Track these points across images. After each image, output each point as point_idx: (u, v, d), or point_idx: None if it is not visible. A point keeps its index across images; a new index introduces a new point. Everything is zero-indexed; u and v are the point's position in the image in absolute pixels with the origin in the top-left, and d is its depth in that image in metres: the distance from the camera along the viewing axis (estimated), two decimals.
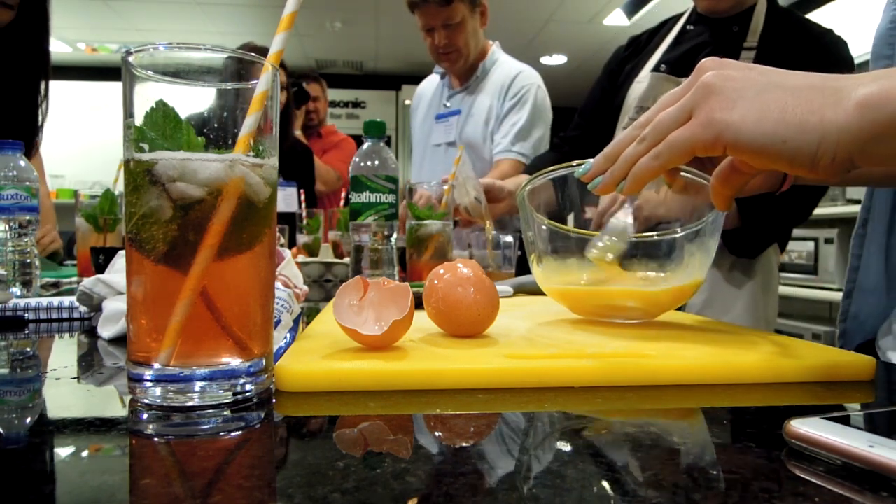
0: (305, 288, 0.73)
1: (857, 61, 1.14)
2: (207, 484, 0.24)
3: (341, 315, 0.42)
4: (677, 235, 0.55)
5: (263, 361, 0.36)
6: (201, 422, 0.32)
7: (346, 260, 1.34)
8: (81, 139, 5.16)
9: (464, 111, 1.78)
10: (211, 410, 0.33)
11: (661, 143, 0.42)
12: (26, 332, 0.62)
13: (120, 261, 0.65)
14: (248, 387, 0.35)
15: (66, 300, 0.68)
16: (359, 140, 0.94)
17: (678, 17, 1.27)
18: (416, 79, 2.01)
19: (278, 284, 0.63)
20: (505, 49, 1.83)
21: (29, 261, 0.82)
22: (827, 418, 0.27)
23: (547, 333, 0.51)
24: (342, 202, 2.09)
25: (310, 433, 0.31)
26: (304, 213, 1.69)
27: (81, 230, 1.06)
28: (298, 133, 2.48)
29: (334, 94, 5.79)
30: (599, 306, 0.57)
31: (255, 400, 0.35)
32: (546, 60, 5.16)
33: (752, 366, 0.41)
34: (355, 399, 0.36)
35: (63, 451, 0.28)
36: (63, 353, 0.53)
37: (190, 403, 0.33)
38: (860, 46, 1.22)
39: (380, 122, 0.93)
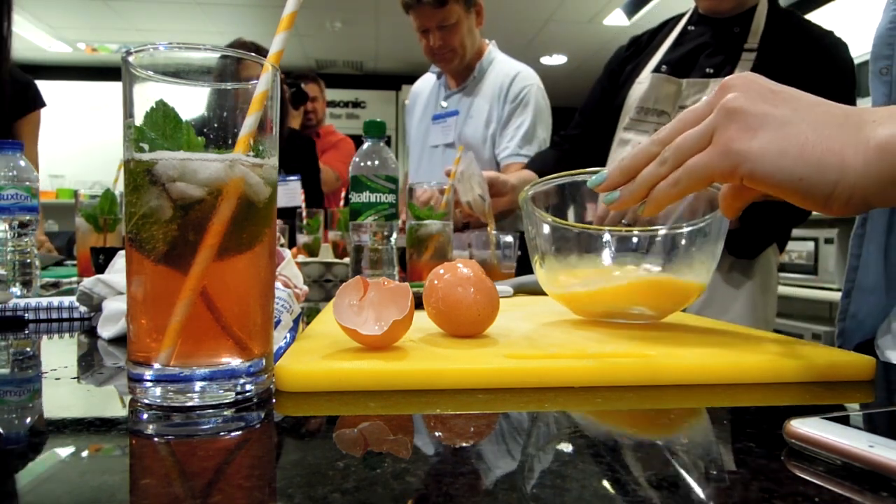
0: (305, 288, 0.73)
1: (856, 61, 1.14)
2: (207, 484, 0.24)
3: (341, 315, 0.42)
4: (681, 230, 0.55)
5: (263, 361, 0.36)
6: (201, 422, 0.32)
7: (346, 260, 1.34)
8: (81, 139, 5.16)
9: (462, 112, 1.77)
10: (211, 410, 0.33)
11: (680, 169, 0.42)
12: (26, 332, 0.62)
13: (120, 261, 0.65)
14: (248, 387, 0.35)
15: (66, 300, 0.68)
16: (359, 140, 0.94)
17: (679, 17, 1.27)
18: (415, 79, 2.01)
19: (278, 284, 0.63)
20: (505, 49, 1.82)
21: (29, 261, 0.82)
22: (827, 418, 0.27)
23: (547, 333, 0.51)
24: (342, 202, 2.09)
25: (310, 433, 0.31)
26: (304, 213, 1.69)
27: (81, 230, 1.06)
28: None
29: (334, 94, 5.79)
30: (602, 310, 0.56)
31: (255, 400, 0.35)
32: (546, 60, 5.16)
33: (752, 366, 0.41)
34: (355, 399, 0.36)
35: (63, 451, 0.28)
36: (63, 353, 0.53)
37: (190, 403, 0.33)
38: (860, 47, 1.22)
39: (380, 122, 0.93)
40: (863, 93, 1.72)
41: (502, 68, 1.74)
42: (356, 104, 5.85)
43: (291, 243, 1.76)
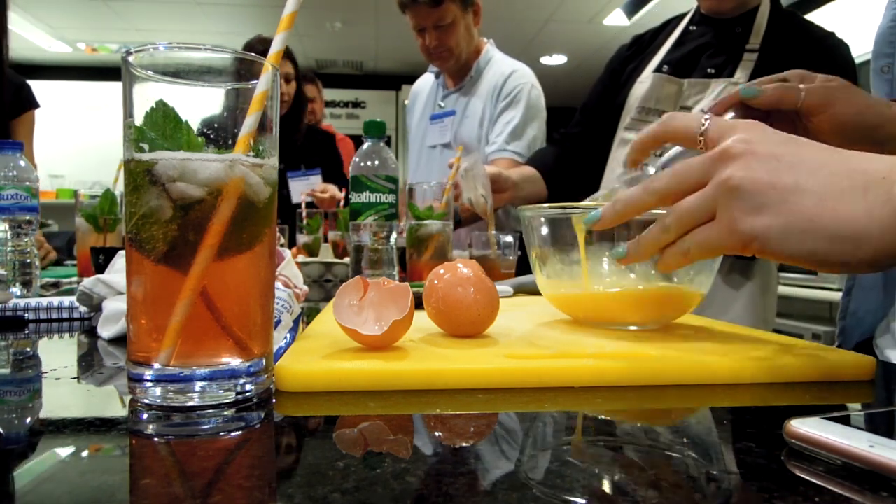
0: (305, 288, 0.73)
1: (857, 61, 1.14)
2: (207, 484, 0.24)
3: (341, 315, 0.42)
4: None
5: (263, 361, 0.36)
6: (201, 422, 0.32)
7: (346, 260, 1.34)
8: (81, 139, 5.17)
9: (458, 112, 1.77)
10: (211, 410, 0.33)
11: (689, 240, 0.41)
12: (26, 332, 0.62)
13: (120, 261, 0.65)
14: (248, 387, 0.35)
15: (66, 300, 0.68)
16: (359, 140, 0.94)
17: (681, 17, 1.27)
18: (416, 79, 2.01)
19: (278, 284, 0.63)
20: (505, 49, 1.82)
21: (29, 261, 0.82)
22: (827, 418, 0.27)
23: (547, 334, 0.51)
24: (342, 202, 2.09)
25: (310, 433, 0.31)
26: (304, 213, 1.69)
27: (81, 230, 1.06)
28: None
29: (334, 94, 5.80)
30: (601, 317, 0.56)
31: (255, 400, 0.35)
32: (546, 60, 5.16)
33: (752, 366, 0.41)
34: (355, 399, 0.36)
35: (63, 451, 0.28)
36: (63, 353, 0.53)
37: (190, 403, 0.33)
38: (860, 46, 1.22)
39: (380, 122, 0.93)
40: None
41: (499, 67, 1.74)
42: (356, 104, 5.85)
43: (291, 243, 1.76)
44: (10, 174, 0.81)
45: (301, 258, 1.43)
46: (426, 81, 1.94)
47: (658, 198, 0.43)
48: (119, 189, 1.09)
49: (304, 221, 1.66)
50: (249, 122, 0.34)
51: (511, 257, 1.11)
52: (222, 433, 0.31)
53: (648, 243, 0.44)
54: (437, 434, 0.31)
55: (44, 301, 0.67)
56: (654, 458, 0.28)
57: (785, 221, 0.37)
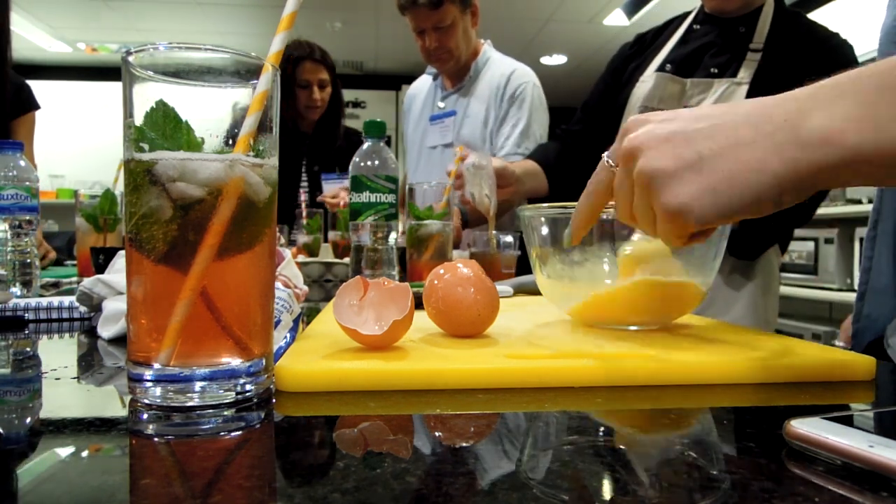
0: (305, 288, 0.73)
1: (861, 59, 1.14)
2: (207, 484, 0.24)
3: (341, 315, 0.42)
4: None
5: (263, 361, 0.36)
6: (201, 422, 0.32)
7: (346, 260, 1.34)
8: (81, 139, 5.16)
9: (459, 112, 1.78)
10: (211, 410, 0.33)
11: (661, 236, 0.42)
12: (26, 332, 0.62)
13: (120, 261, 0.65)
14: (248, 387, 0.35)
15: (66, 300, 0.68)
16: (359, 140, 0.94)
17: (685, 16, 1.26)
18: (415, 79, 2.01)
19: (278, 284, 0.63)
20: (504, 49, 1.83)
21: (29, 261, 0.82)
22: (827, 418, 0.27)
23: (547, 333, 0.51)
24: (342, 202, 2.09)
25: (310, 433, 0.31)
26: (304, 213, 1.69)
27: (81, 230, 1.06)
28: None
29: None
30: (603, 316, 0.56)
31: (255, 400, 0.35)
32: (546, 60, 5.15)
33: (753, 366, 0.41)
34: (355, 399, 0.36)
35: (63, 451, 0.28)
36: (63, 353, 0.53)
37: (190, 403, 0.33)
38: (864, 45, 1.22)
39: (380, 122, 0.93)
40: None
41: (498, 67, 1.74)
42: (356, 104, 5.85)
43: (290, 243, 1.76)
44: (10, 174, 0.81)
45: (301, 258, 1.43)
46: (423, 83, 1.94)
47: (597, 197, 0.45)
48: (119, 189, 1.09)
49: (305, 221, 1.66)
50: (249, 122, 0.34)
51: (511, 252, 1.11)
52: (222, 433, 0.31)
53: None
54: (437, 434, 0.31)
55: (44, 301, 0.67)
56: (654, 458, 0.28)
57: (706, 186, 0.37)
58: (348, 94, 5.80)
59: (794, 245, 2.90)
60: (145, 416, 0.33)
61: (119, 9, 4.25)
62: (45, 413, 0.35)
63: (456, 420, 0.33)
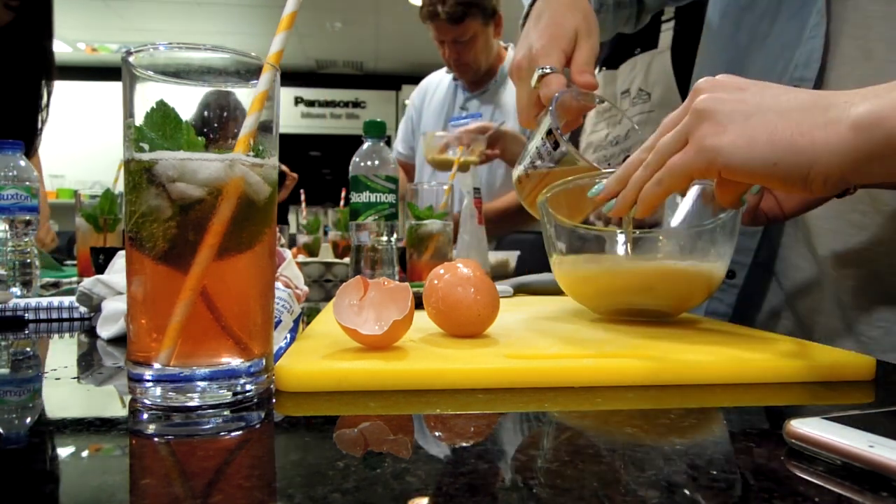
0: (306, 289, 0.73)
1: None
2: (207, 484, 0.24)
3: (341, 315, 0.42)
4: (695, 228, 0.56)
5: (263, 361, 0.36)
6: (201, 422, 0.32)
7: (346, 260, 1.34)
8: (82, 139, 5.17)
9: (485, 115, 1.78)
10: (211, 410, 0.33)
11: (662, 170, 0.44)
12: (26, 332, 0.62)
13: (120, 261, 0.65)
14: (248, 387, 0.35)
15: (66, 300, 0.68)
16: (359, 140, 0.94)
17: None
18: (415, 79, 2.01)
19: (279, 285, 0.63)
20: None
21: (29, 261, 0.82)
22: (827, 418, 0.27)
23: (547, 333, 0.51)
24: (342, 202, 2.10)
25: (310, 433, 0.31)
26: (304, 213, 1.69)
27: (81, 230, 1.06)
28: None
29: (334, 94, 5.80)
30: (619, 300, 0.56)
31: (255, 400, 0.35)
32: None
33: (753, 366, 0.41)
34: (355, 399, 0.36)
35: (63, 451, 0.28)
36: (63, 353, 0.53)
37: (190, 403, 0.33)
38: None
39: (380, 122, 0.93)
40: None
41: None
42: (356, 104, 5.86)
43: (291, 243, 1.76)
44: (10, 174, 0.81)
45: (301, 258, 1.43)
46: (440, 79, 1.93)
47: (650, 150, 0.46)
48: (119, 189, 1.09)
49: (305, 221, 1.67)
50: (249, 122, 0.34)
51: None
52: (222, 433, 0.31)
53: (631, 185, 0.47)
54: (437, 434, 0.31)
55: (44, 301, 0.67)
56: (654, 458, 0.28)
57: (749, 134, 0.39)
58: (348, 94, 5.84)
59: None
60: (145, 416, 0.33)
61: (119, 9, 4.26)
62: (45, 413, 0.35)
63: (456, 420, 0.33)
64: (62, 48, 4.98)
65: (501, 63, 1.77)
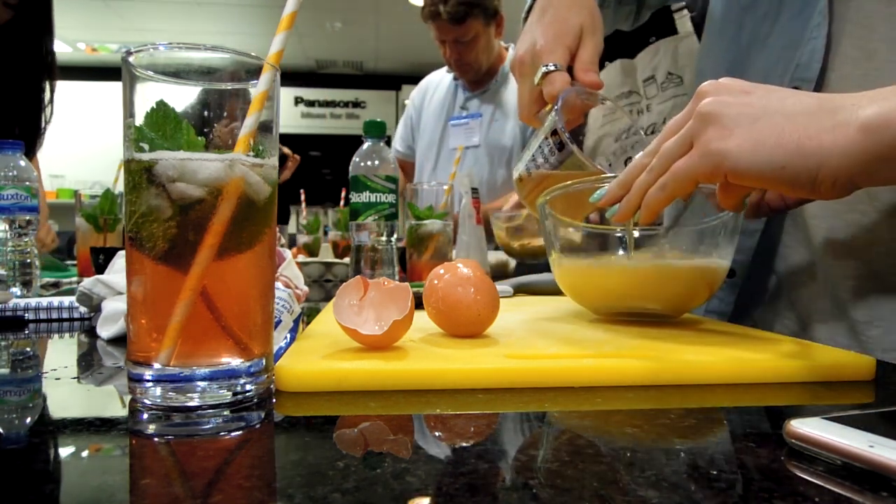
0: (306, 289, 0.73)
1: None
2: (207, 484, 0.24)
3: (341, 315, 0.42)
4: (694, 228, 0.56)
5: (263, 361, 0.36)
6: (201, 422, 0.32)
7: (346, 260, 1.34)
8: (82, 139, 5.16)
9: (486, 115, 1.78)
10: (211, 410, 0.33)
11: (666, 174, 0.43)
12: (26, 332, 0.62)
13: (120, 261, 0.65)
14: (248, 387, 0.35)
15: (66, 300, 0.68)
16: (359, 140, 0.94)
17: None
18: (415, 79, 2.01)
19: (279, 285, 0.63)
20: None
21: (29, 261, 0.82)
22: (827, 418, 0.27)
23: (547, 333, 0.51)
24: (342, 202, 2.10)
25: (310, 433, 0.31)
26: (304, 213, 1.69)
27: (81, 230, 1.06)
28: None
29: (334, 94, 5.80)
30: (619, 300, 0.56)
31: (255, 400, 0.35)
32: None
33: (753, 366, 0.41)
34: (355, 399, 0.36)
35: (63, 451, 0.28)
36: (63, 353, 0.53)
37: (190, 403, 0.33)
38: None
39: (380, 122, 0.93)
40: None
41: None
42: (356, 104, 5.86)
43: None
44: (10, 174, 0.81)
45: (301, 258, 1.43)
46: (440, 79, 1.94)
47: (653, 154, 0.46)
48: (119, 189, 1.09)
49: (305, 221, 1.67)
50: (249, 122, 0.34)
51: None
52: (222, 433, 0.31)
53: (634, 190, 0.47)
54: (437, 434, 0.31)
55: (44, 301, 0.67)
56: (653, 458, 0.27)
57: (756, 137, 0.39)
58: (348, 94, 5.83)
59: None
60: (145, 416, 0.33)
61: (119, 9, 4.26)
62: (45, 413, 0.35)
63: (456, 420, 0.33)
64: (62, 48, 4.98)
65: (502, 63, 1.77)
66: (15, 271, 0.80)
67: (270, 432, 0.31)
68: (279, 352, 0.44)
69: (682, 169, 0.42)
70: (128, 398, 0.35)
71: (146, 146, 0.33)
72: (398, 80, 5.68)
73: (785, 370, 0.41)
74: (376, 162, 0.90)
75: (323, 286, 1.19)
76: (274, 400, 0.36)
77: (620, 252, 0.56)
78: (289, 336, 0.54)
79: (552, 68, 0.62)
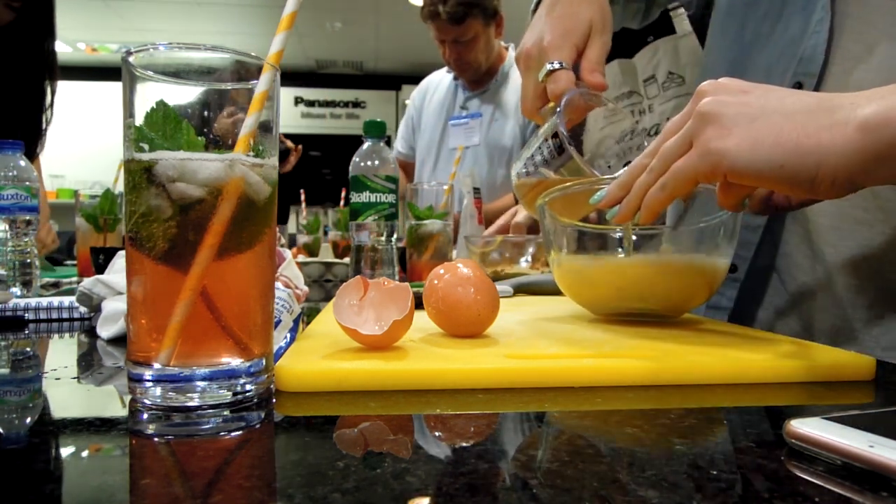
0: (306, 289, 0.73)
1: None
2: (207, 484, 0.24)
3: (341, 315, 0.42)
4: (695, 226, 0.56)
5: (263, 361, 0.36)
6: (201, 422, 0.32)
7: (346, 260, 1.34)
8: (81, 139, 5.17)
9: (486, 114, 1.78)
10: (211, 410, 0.33)
11: (666, 174, 0.44)
12: (26, 332, 0.62)
13: (120, 261, 0.65)
14: (248, 387, 0.35)
15: (66, 300, 0.68)
16: (359, 140, 0.94)
17: None
18: (415, 79, 2.01)
19: (279, 285, 0.63)
20: None
21: (29, 261, 0.82)
22: (827, 418, 0.27)
23: (547, 333, 0.51)
24: (342, 202, 2.10)
25: (310, 433, 0.31)
26: (304, 213, 1.69)
27: (81, 230, 1.06)
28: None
29: (334, 94, 5.80)
30: (620, 298, 0.56)
31: (255, 400, 0.35)
32: None
33: (753, 366, 0.41)
34: (355, 399, 0.36)
35: (63, 451, 0.28)
36: (63, 353, 0.53)
37: (190, 403, 0.33)
38: None
39: (380, 122, 0.93)
40: None
41: None
42: (356, 104, 5.86)
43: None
44: (10, 174, 0.81)
45: (301, 258, 1.43)
46: (440, 79, 1.94)
47: (653, 155, 0.46)
48: (119, 189, 1.09)
49: (305, 221, 1.67)
50: (249, 122, 0.34)
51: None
52: (222, 433, 0.31)
53: (634, 190, 0.47)
54: (437, 434, 0.31)
55: (44, 301, 0.67)
56: (654, 458, 0.28)
57: (755, 136, 0.39)
58: (348, 94, 5.83)
59: None
60: (145, 416, 0.33)
61: (119, 9, 4.26)
62: (45, 413, 0.35)
63: (456, 420, 0.33)
64: (62, 48, 4.98)
65: (502, 63, 1.77)
66: (15, 271, 0.80)
67: (270, 432, 0.31)
68: (279, 352, 0.43)
69: (681, 169, 0.42)
70: (128, 398, 0.35)
71: (146, 146, 0.33)
72: (398, 80, 5.68)
73: (785, 370, 0.41)
74: (376, 162, 0.90)
75: (323, 286, 1.19)
76: (274, 400, 0.36)
77: (619, 252, 0.56)
78: (289, 336, 0.54)
79: (557, 66, 0.61)
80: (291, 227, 2.55)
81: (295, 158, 2.05)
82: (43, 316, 0.67)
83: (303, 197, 1.94)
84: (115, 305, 0.56)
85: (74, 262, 1.22)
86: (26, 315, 0.66)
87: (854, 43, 0.55)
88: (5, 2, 1.17)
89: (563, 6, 0.64)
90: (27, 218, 0.82)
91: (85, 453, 0.28)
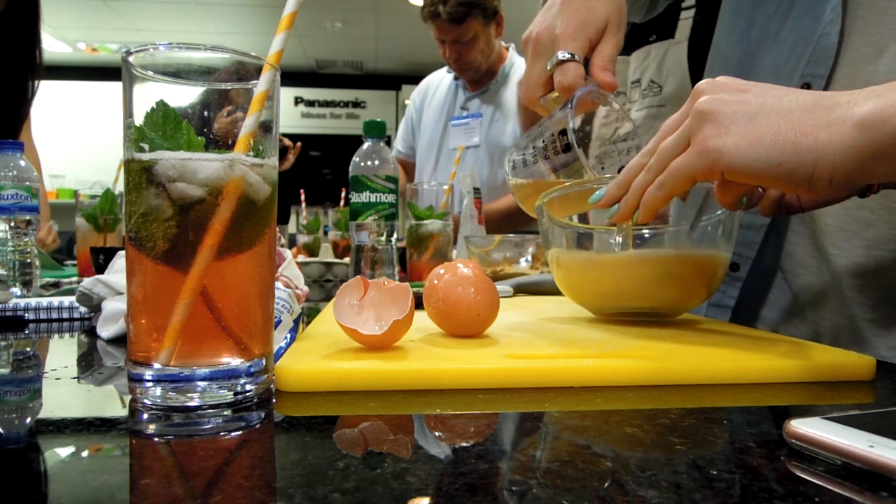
0: (306, 289, 0.73)
1: None
2: (207, 484, 0.24)
3: (341, 315, 0.42)
4: (691, 225, 0.56)
5: (264, 361, 0.36)
6: (201, 422, 0.32)
7: (346, 260, 1.34)
8: (82, 139, 5.17)
9: (486, 114, 1.78)
10: (211, 410, 0.33)
11: (664, 173, 0.44)
12: (26, 332, 0.62)
13: (120, 261, 0.65)
14: (248, 387, 0.35)
15: (66, 300, 0.68)
16: (359, 140, 0.94)
17: None
18: (415, 79, 2.01)
19: (279, 285, 0.63)
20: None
21: (29, 261, 0.82)
22: (827, 418, 0.27)
23: (547, 333, 0.51)
24: (342, 202, 2.10)
25: (310, 433, 0.31)
26: (304, 213, 1.69)
27: (81, 230, 1.06)
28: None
29: (334, 94, 5.81)
30: (621, 296, 0.56)
31: (255, 400, 0.35)
32: None
33: (753, 366, 0.41)
34: (355, 399, 0.36)
35: (63, 451, 0.28)
36: (63, 353, 0.53)
37: (190, 403, 0.33)
38: None
39: (380, 122, 0.93)
40: None
41: None
42: (356, 104, 5.86)
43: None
44: (10, 174, 0.81)
45: (301, 258, 1.43)
46: (441, 79, 1.94)
47: (651, 154, 0.46)
48: (119, 189, 1.09)
49: (305, 221, 1.67)
50: (249, 122, 0.34)
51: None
52: (222, 433, 0.31)
53: (633, 189, 0.47)
54: (437, 434, 0.31)
55: (44, 301, 0.67)
56: (654, 458, 0.28)
57: (752, 134, 0.39)
58: (348, 94, 5.83)
59: None
60: (145, 416, 0.33)
61: (119, 9, 4.26)
62: (45, 413, 0.35)
63: (456, 420, 0.33)
64: (62, 48, 4.98)
65: (502, 63, 1.78)
66: (15, 271, 0.80)
67: (270, 432, 0.31)
68: (279, 352, 0.44)
69: (679, 167, 0.42)
70: (128, 398, 0.35)
71: (146, 146, 0.33)
72: (398, 80, 5.69)
73: (785, 370, 0.41)
74: (376, 162, 0.90)
75: (323, 286, 1.19)
76: (274, 400, 0.36)
77: (618, 252, 0.56)
78: (289, 336, 0.54)
79: (569, 57, 0.60)
80: (291, 227, 2.55)
81: (294, 156, 2.06)
82: (43, 316, 0.67)
83: (303, 197, 1.94)
84: (115, 305, 0.56)
85: (74, 262, 1.22)
86: (26, 315, 0.66)
87: (864, 45, 0.55)
88: None
89: None
90: (27, 218, 0.82)
91: (85, 453, 0.28)
